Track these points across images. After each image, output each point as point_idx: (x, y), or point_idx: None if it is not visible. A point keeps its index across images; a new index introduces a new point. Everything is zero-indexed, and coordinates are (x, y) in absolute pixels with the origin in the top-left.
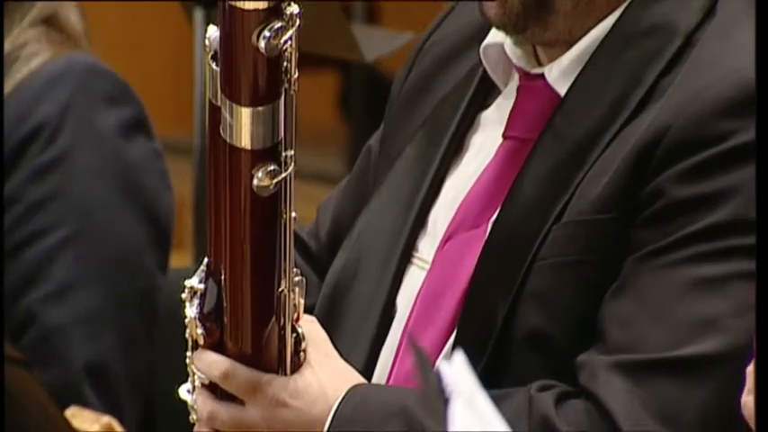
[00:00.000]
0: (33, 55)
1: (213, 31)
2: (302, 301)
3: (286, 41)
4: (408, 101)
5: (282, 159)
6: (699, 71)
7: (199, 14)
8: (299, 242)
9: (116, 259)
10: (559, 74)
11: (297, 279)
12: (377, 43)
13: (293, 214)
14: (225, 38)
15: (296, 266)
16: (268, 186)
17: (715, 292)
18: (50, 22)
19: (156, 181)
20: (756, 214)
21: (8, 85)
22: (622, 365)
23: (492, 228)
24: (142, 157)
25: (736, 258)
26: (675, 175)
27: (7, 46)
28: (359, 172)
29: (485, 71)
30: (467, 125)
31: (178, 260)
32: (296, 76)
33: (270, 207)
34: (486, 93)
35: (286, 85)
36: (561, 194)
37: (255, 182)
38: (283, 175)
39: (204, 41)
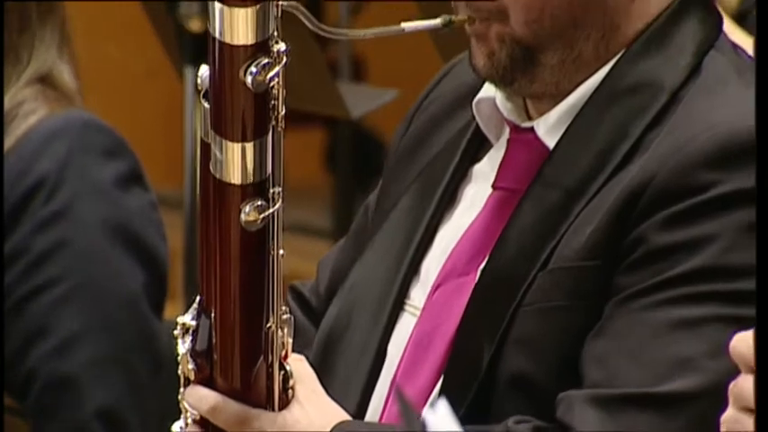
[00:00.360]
0: (30, 112)
1: (204, 70)
2: (290, 340)
3: (273, 77)
4: (405, 156)
5: (270, 195)
6: (683, 126)
7: (189, 72)
8: (302, 299)
9: (117, 307)
10: (548, 128)
11: (285, 317)
12: (363, 100)
13: (281, 251)
14: (214, 74)
15: (294, 319)
16: (255, 221)
17: (691, 333)
18: (45, 81)
19: (153, 231)
20: (757, 220)
21: (7, 142)
22: (598, 399)
23: (480, 275)
24: (139, 208)
25: (713, 303)
26: (657, 222)
27: (5, 104)
28: (357, 229)
29: (478, 126)
30: (460, 177)
31: (170, 311)
32: (283, 113)
33: (257, 242)
34: (478, 146)
35: (273, 122)
36: (548, 242)
37: (243, 217)
38: (271, 210)
39: (195, 97)
